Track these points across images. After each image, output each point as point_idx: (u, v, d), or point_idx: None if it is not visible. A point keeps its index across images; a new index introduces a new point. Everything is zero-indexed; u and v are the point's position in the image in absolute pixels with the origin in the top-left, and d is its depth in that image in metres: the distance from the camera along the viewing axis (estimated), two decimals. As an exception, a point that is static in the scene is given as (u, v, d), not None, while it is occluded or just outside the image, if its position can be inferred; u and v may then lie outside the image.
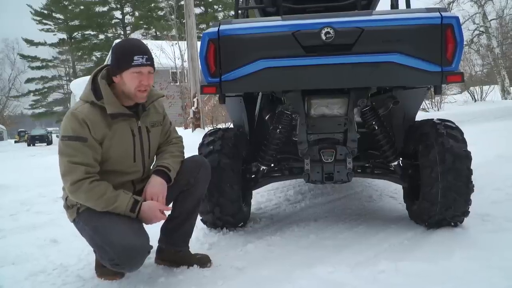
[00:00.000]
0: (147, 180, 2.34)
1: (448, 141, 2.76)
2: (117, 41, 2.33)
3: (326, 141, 3.06)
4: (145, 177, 2.36)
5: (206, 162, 2.54)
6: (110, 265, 2.11)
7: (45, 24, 50.39)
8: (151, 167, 2.40)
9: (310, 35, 2.57)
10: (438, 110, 19.60)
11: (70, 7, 49.80)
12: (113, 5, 49.75)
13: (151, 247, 2.15)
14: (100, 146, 2.12)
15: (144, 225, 2.22)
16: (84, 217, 2.16)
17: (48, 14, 50.12)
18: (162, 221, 2.32)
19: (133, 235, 2.05)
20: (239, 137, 3.18)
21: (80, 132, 2.06)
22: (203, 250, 2.67)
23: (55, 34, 51.08)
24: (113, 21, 50.67)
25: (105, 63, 2.32)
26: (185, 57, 16.98)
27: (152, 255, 2.54)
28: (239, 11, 3.75)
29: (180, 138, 2.54)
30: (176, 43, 21.72)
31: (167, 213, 2.36)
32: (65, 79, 51.10)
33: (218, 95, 2.79)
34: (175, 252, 2.46)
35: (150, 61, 2.18)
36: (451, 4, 26.24)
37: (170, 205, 2.41)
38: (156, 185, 2.24)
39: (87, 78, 2.25)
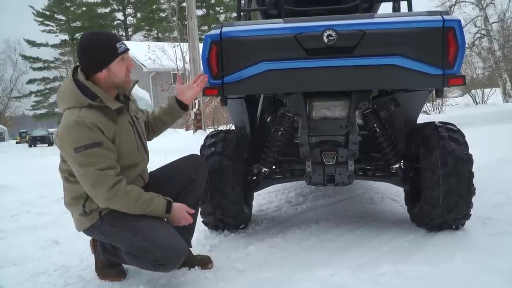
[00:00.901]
0: (147, 174, 2.41)
1: (449, 144, 2.76)
2: (80, 38, 2.24)
3: (327, 143, 3.06)
4: (146, 167, 2.40)
5: (204, 160, 2.63)
6: (152, 266, 2.12)
7: (47, 25, 50.58)
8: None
9: (312, 38, 2.58)
10: (439, 112, 19.60)
11: (72, 8, 49.98)
12: (115, 7, 49.92)
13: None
14: (113, 145, 2.11)
15: None
16: (111, 219, 2.12)
17: (50, 15, 50.28)
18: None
19: (176, 237, 2.13)
20: (241, 139, 3.18)
21: (95, 138, 2.00)
22: (204, 252, 2.67)
23: (57, 35, 51.35)
24: (115, 23, 50.86)
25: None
26: (187, 58, 17.00)
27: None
28: (241, 13, 3.76)
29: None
30: (177, 45, 21.77)
31: None
32: (66, 80, 51.11)
33: (220, 97, 2.79)
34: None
35: (126, 44, 2.22)
36: (453, 7, 26.28)
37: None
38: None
39: (63, 84, 2.18)
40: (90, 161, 1.99)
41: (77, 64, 2.20)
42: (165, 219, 2.22)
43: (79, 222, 2.21)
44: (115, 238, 2.17)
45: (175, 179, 2.41)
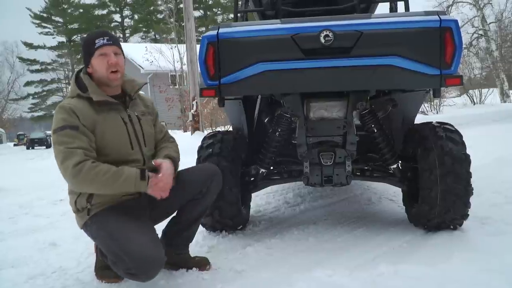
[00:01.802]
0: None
1: (447, 144, 2.76)
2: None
3: (325, 144, 3.05)
4: (143, 165, 2.36)
5: (219, 172, 2.51)
6: (125, 274, 2.10)
7: (44, 27, 50.51)
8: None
9: (309, 38, 2.58)
10: (437, 113, 19.61)
11: (69, 10, 49.93)
12: (112, 8, 49.89)
13: (166, 258, 2.14)
14: (93, 135, 2.13)
15: None
16: (97, 221, 2.13)
17: (47, 17, 50.23)
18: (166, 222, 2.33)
19: (152, 246, 2.05)
20: (238, 140, 3.18)
21: (71, 121, 2.08)
22: (202, 253, 2.67)
23: (54, 37, 51.25)
24: (112, 24, 50.76)
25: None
26: (184, 60, 16.99)
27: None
28: (238, 14, 3.76)
29: (174, 139, 2.56)
30: (175, 46, 21.71)
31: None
32: (64, 82, 51.02)
33: (217, 98, 2.79)
34: (175, 254, 2.45)
35: (112, 41, 2.21)
36: (450, 7, 26.37)
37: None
38: (170, 167, 2.24)
39: (72, 79, 2.31)
40: (62, 140, 2.06)
41: None
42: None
43: (76, 219, 2.27)
44: (99, 240, 2.18)
45: (184, 191, 2.36)
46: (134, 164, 2.25)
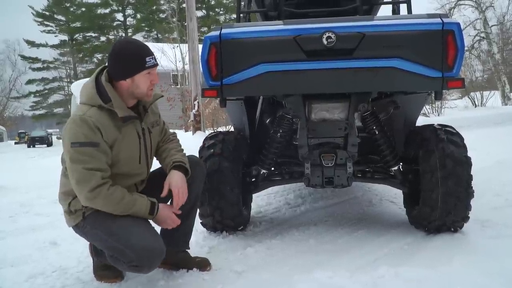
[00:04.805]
0: (145, 182, 2.37)
1: (448, 147, 2.76)
2: (115, 42, 2.26)
3: (326, 145, 3.05)
4: (145, 178, 2.36)
5: (201, 161, 2.57)
6: (128, 267, 2.11)
7: (47, 25, 50.50)
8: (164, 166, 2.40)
9: (312, 40, 2.58)
10: (438, 115, 19.61)
11: (71, 9, 49.94)
12: (115, 7, 49.87)
13: (165, 248, 2.15)
14: (111, 150, 2.11)
15: None
16: (91, 221, 2.13)
17: (49, 16, 50.22)
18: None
19: (152, 237, 2.09)
20: (240, 140, 3.18)
21: (92, 138, 2.02)
22: (202, 254, 2.67)
23: (56, 36, 51.25)
24: (114, 23, 50.82)
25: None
26: (186, 60, 16.99)
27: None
28: (241, 15, 3.76)
29: (175, 134, 2.55)
30: (177, 46, 21.76)
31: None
32: (66, 80, 51.09)
33: (219, 98, 2.79)
34: (176, 253, 2.45)
35: (156, 61, 2.21)
36: (452, 10, 26.38)
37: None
38: (179, 179, 2.26)
39: (88, 81, 2.23)
40: (80, 159, 2.01)
41: (105, 65, 2.23)
42: (151, 221, 2.20)
43: (65, 219, 2.26)
44: (95, 238, 2.18)
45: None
46: (138, 178, 2.28)
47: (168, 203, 2.39)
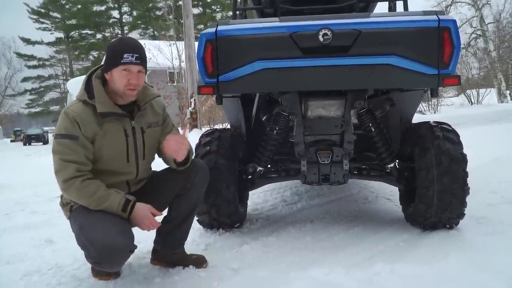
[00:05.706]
0: (143, 182, 2.36)
1: (444, 144, 2.77)
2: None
3: (322, 143, 3.06)
4: (140, 178, 2.35)
5: (204, 166, 2.49)
6: (92, 263, 2.12)
7: (42, 23, 50.22)
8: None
9: (308, 37, 2.58)
10: (434, 112, 19.67)
11: (67, 6, 49.66)
12: (111, 5, 49.63)
13: (135, 246, 2.08)
14: (92, 145, 2.12)
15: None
16: (74, 215, 2.16)
17: (45, 13, 49.95)
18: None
19: (116, 234, 1.99)
20: (236, 138, 3.18)
21: (71, 131, 2.07)
22: (199, 251, 2.67)
23: (52, 33, 50.97)
24: (110, 21, 50.57)
25: (102, 62, 2.30)
26: (183, 57, 16.96)
27: (148, 255, 2.55)
28: (237, 12, 3.75)
29: (177, 129, 2.53)
30: (173, 43, 21.67)
31: (159, 219, 2.31)
32: (61, 78, 50.87)
33: (215, 95, 2.78)
34: (171, 254, 2.45)
35: (140, 60, 2.15)
36: (449, 7, 26.42)
37: (165, 211, 2.40)
38: (179, 135, 2.30)
39: (84, 77, 2.25)
40: (59, 150, 2.09)
41: None
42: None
43: (63, 212, 2.30)
44: (74, 232, 2.17)
45: (168, 187, 2.36)
46: (125, 177, 2.27)
47: (166, 210, 2.40)
